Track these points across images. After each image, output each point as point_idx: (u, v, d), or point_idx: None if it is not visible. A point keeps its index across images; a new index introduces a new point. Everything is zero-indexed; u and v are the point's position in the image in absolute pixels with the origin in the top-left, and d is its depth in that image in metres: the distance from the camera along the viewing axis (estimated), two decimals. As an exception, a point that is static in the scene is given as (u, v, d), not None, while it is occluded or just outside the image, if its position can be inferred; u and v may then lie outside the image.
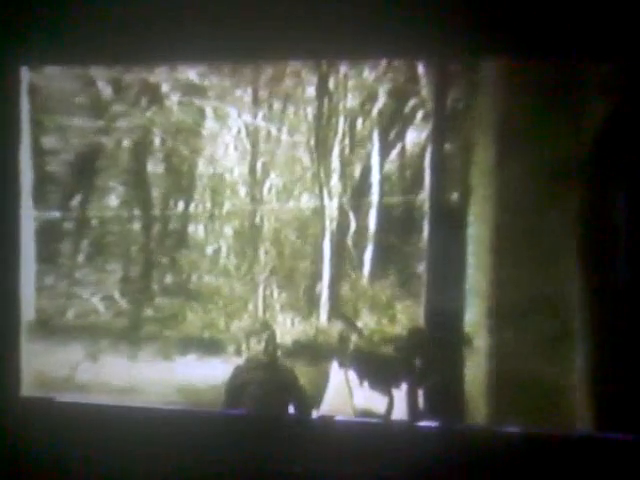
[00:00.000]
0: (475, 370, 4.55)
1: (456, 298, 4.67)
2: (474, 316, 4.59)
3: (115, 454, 4.08)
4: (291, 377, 4.77)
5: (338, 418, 4.45)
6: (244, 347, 4.92)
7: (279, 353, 4.87)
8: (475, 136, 4.67)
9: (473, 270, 4.60)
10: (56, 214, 5.33)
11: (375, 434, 4.20)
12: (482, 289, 4.51)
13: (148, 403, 4.82)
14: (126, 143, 5.36)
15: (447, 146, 4.92)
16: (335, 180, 5.16)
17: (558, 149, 4.27)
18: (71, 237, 5.42)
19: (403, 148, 5.18)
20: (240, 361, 4.94)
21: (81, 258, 5.44)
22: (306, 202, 5.21)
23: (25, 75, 4.88)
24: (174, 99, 5.25)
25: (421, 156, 5.08)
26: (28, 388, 4.88)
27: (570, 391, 4.25)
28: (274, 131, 5.23)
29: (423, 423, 4.42)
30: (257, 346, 4.78)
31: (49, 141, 5.34)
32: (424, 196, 4.99)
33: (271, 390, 4.72)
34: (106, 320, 5.36)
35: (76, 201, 5.40)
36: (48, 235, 5.31)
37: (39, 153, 5.30)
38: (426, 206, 4.96)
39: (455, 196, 4.85)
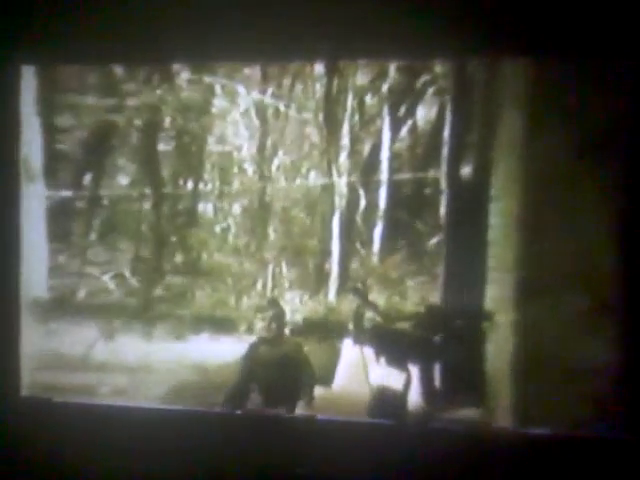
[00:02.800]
0: (500, 348, 4.51)
1: (477, 274, 4.63)
2: (499, 292, 4.54)
3: (115, 454, 4.09)
4: (299, 352, 4.78)
5: (343, 419, 4.45)
6: (254, 324, 4.92)
7: (287, 330, 4.88)
8: (498, 108, 4.60)
9: (498, 245, 4.55)
10: (68, 193, 5.33)
11: (383, 435, 4.19)
12: (508, 264, 4.46)
13: (162, 383, 4.84)
14: (137, 121, 5.35)
15: (467, 119, 4.86)
16: (344, 157, 5.13)
17: (589, 120, 4.20)
18: (83, 216, 5.43)
19: (414, 124, 5.14)
20: (252, 338, 4.96)
21: (93, 237, 5.45)
22: (315, 179, 5.19)
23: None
24: (184, 77, 5.23)
25: (433, 132, 5.04)
26: (44, 369, 4.91)
27: (602, 371, 4.20)
28: (283, 108, 5.21)
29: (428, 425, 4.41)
30: (265, 323, 4.79)
31: (60, 119, 5.33)
32: (436, 172, 4.95)
33: (279, 366, 4.74)
34: (118, 299, 5.38)
35: (87, 180, 5.40)
36: (60, 214, 5.31)
37: (50, 131, 5.29)
38: (442, 181, 4.91)
39: (476, 170, 4.80)
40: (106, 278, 5.43)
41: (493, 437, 4.13)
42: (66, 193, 5.34)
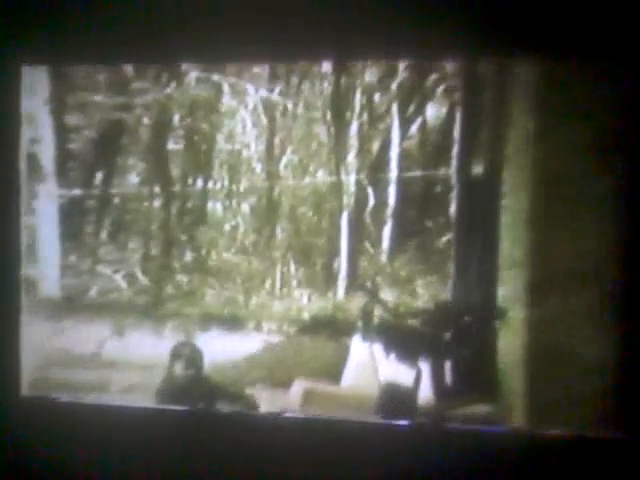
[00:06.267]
0: (511, 344, 4.51)
1: (488, 271, 4.62)
2: (510, 289, 4.53)
3: (116, 454, 4.09)
4: None
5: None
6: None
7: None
8: (510, 105, 4.59)
9: (509, 242, 4.54)
10: (79, 192, 5.35)
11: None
12: (519, 261, 4.45)
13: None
14: (146, 120, 5.36)
15: (477, 117, 4.85)
16: (352, 155, 5.12)
17: (601, 117, 4.19)
18: (94, 215, 5.45)
19: (424, 122, 5.12)
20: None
21: (104, 236, 5.47)
22: (323, 178, 5.18)
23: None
24: (192, 75, 5.23)
25: (444, 129, 5.02)
26: (55, 367, 4.93)
27: (612, 367, 4.19)
28: (290, 107, 5.21)
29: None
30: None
31: (71, 118, 5.35)
32: (447, 170, 4.93)
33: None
34: (129, 297, 5.40)
35: (98, 179, 5.42)
36: (72, 213, 5.34)
37: (61, 130, 5.32)
38: (452, 179, 4.89)
39: (486, 168, 4.79)
40: (117, 277, 5.45)
41: (489, 438, 4.11)
42: (77, 192, 5.35)
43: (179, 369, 4.77)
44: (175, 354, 4.87)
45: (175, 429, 4.19)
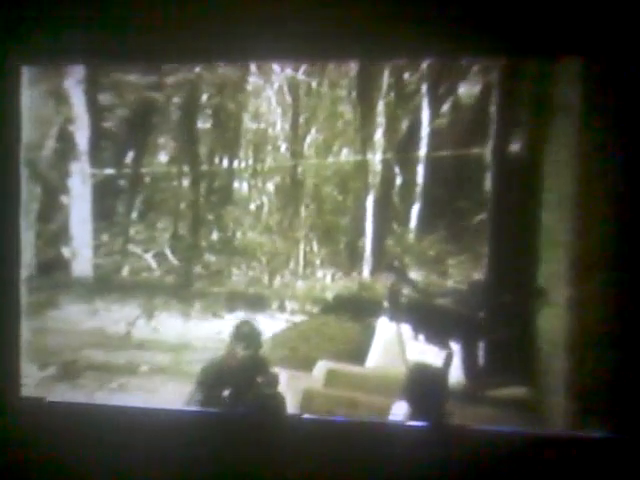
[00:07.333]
0: (552, 325, 4.44)
1: (528, 251, 4.55)
2: (552, 268, 4.46)
3: (115, 454, 4.08)
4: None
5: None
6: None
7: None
8: (552, 85, 4.50)
9: (553, 221, 4.47)
10: (111, 171, 5.39)
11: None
12: (562, 240, 4.37)
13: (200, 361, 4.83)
14: (176, 99, 5.38)
15: (516, 96, 4.77)
16: (379, 134, 5.08)
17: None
18: (125, 194, 5.49)
19: (457, 101, 5.06)
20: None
21: (134, 215, 5.51)
22: (348, 157, 5.15)
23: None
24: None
25: (477, 108, 4.95)
26: (88, 347, 4.98)
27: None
28: (315, 86, 5.18)
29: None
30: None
31: (104, 98, 5.39)
32: (480, 148, 4.87)
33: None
34: (158, 277, 5.43)
35: (129, 158, 5.45)
36: (104, 192, 5.38)
37: (95, 110, 5.36)
38: (486, 158, 4.83)
39: (527, 146, 4.71)
40: (148, 256, 5.49)
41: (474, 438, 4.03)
42: (109, 171, 5.39)
43: (239, 349, 4.72)
44: (237, 334, 4.80)
45: (177, 430, 4.17)
